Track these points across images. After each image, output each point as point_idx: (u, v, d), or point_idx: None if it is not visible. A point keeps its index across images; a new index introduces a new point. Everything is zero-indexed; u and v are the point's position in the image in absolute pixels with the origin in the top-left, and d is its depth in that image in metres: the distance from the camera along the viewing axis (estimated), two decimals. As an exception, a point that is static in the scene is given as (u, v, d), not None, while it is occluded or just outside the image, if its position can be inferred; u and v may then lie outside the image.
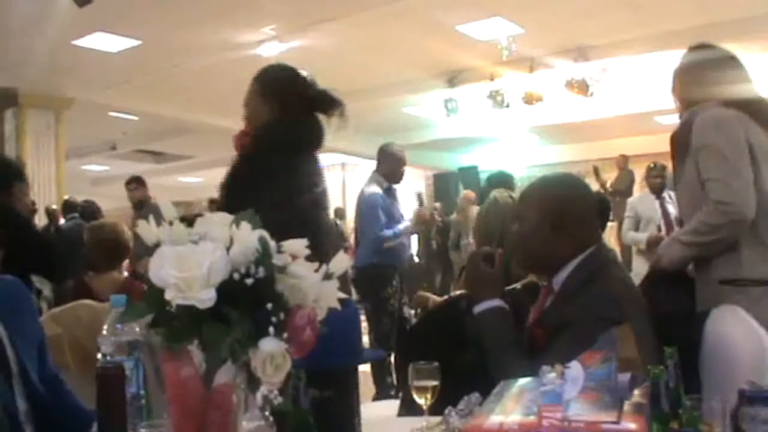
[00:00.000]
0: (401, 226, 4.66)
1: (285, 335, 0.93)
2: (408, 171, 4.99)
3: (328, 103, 2.47)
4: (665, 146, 2.29)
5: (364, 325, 4.31)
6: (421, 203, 5.02)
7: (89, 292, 3.08)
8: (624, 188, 8.56)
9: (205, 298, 0.90)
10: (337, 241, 8.44)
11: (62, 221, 6.92)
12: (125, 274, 3.81)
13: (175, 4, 6.35)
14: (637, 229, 5.68)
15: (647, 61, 7.83)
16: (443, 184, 13.66)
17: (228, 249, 0.94)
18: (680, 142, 2.19)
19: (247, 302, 0.92)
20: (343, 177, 14.71)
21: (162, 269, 0.92)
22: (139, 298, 0.97)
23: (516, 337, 1.69)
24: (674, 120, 2.32)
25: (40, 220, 6.98)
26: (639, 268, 5.18)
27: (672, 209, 5.37)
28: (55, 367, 1.64)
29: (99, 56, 7.58)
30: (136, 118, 10.48)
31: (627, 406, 1.03)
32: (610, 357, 1.07)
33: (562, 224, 1.69)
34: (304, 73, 2.54)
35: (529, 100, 8.67)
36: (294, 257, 1.00)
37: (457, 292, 2.47)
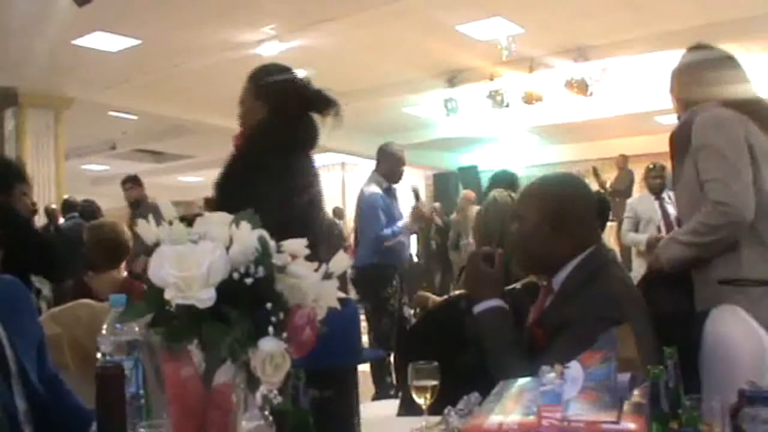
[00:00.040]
0: (400, 224, 4.65)
1: (284, 335, 0.93)
2: (408, 171, 4.98)
3: (322, 102, 2.46)
4: (665, 146, 2.28)
5: (364, 324, 4.31)
6: (417, 197, 4.93)
7: (89, 291, 3.08)
8: (624, 188, 8.55)
9: (204, 297, 0.90)
10: (337, 241, 8.44)
11: (62, 221, 6.90)
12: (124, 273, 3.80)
13: (175, 4, 6.35)
14: (636, 229, 5.65)
15: (647, 61, 7.82)
16: (443, 184, 13.65)
17: (228, 248, 0.94)
18: (679, 142, 2.19)
19: (247, 302, 0.92)
20: (343, 177, 14.72)
21: (162, 269, 0.92)
22: (139, 298, 0.97)
23: (516, 337, 1.69)
24: (674, 120, 2.31)
25: (40, 220, 6.97)
26: (639, 269, 5.16)
27: (672, 210, 5.33)
28: (55, 367, 1.63)
29: (99, 56, 7.58)
30: (135, 117, 10.47)
31: (627, 406, 1.03)
32: (610, 357, 1.07)
33: (561, 224, 1.69)
34: (299, 72, 2.54)
35: (528, 100, 8.67)
36: (294, 257, 1.00)
37: (457, 292, 2.47)
